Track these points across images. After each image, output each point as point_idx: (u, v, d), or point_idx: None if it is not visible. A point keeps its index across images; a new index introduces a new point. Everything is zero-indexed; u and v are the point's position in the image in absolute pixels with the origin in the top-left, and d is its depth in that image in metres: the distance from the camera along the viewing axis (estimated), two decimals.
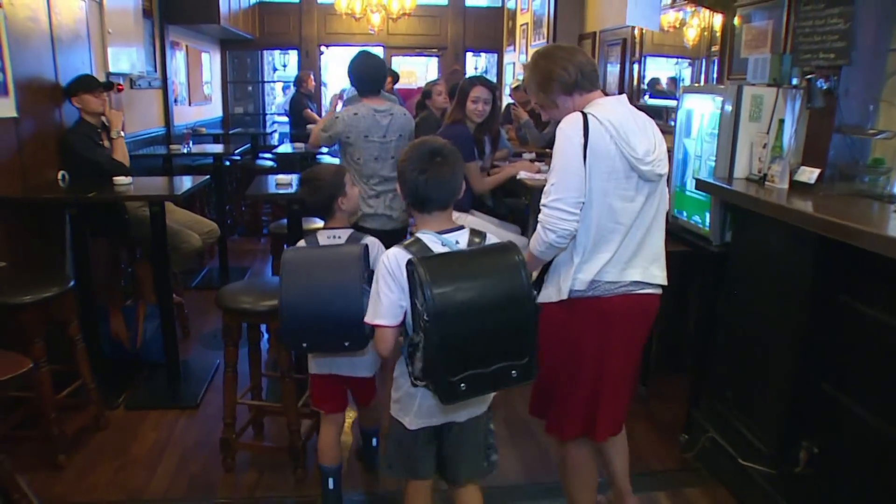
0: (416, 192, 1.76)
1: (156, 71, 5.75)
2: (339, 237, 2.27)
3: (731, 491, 2.56)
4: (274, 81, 10.78)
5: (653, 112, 4.34)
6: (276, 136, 8.65)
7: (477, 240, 1.79)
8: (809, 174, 2.38)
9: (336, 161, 4.60)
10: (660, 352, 3.36)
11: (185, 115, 6.64)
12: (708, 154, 2.77)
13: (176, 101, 6.31)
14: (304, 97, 7.71)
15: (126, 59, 4.73)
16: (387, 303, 1.72)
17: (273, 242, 4.26)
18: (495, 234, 1.89)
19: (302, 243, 2.29)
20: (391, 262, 1.72)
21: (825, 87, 2.45)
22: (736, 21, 3.41)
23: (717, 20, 3.75)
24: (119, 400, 3.21)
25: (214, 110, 8.12)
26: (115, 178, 3.31)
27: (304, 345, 2.15)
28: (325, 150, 5.30)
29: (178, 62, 6.48)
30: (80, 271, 3.25)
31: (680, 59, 4.52)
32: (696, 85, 3.98)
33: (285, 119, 8.74)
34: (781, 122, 2.52)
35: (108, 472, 2.67)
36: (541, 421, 2.25)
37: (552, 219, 1.86)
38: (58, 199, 3.24)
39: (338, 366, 2.30)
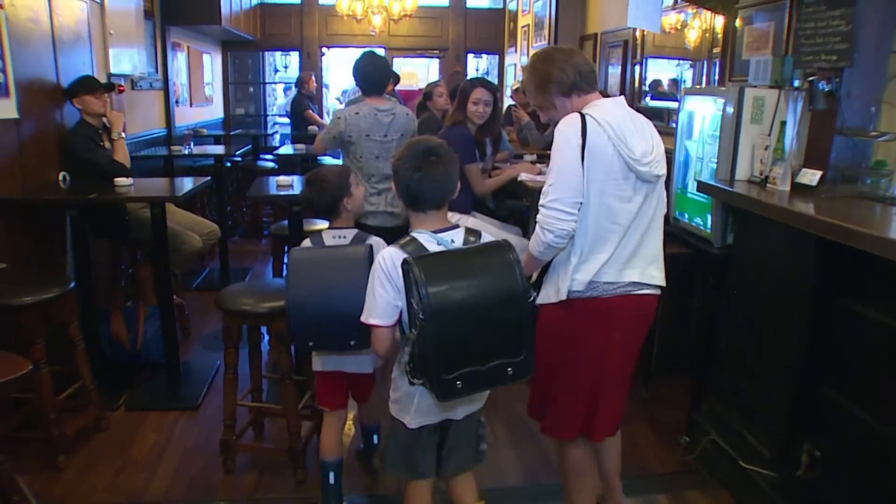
0: (411, 190, 1.79)
1: (157, 72, 5.75)
2: (345, 237, 2.29)
3: (733, 494, 2.56)
4: (275, 83, 10.79)
5: (654, 114, 4.36)
6: (277, 137, 8.65)
7: (472, 238, 1.81)
8: (811, 176, 2.37)
9: (338, 162, 4.60)
10: (661, 354, 3.35)
11: (187, 117, 6.64)
12: (709, 156, 2.76)
13: (177, 102, 6.31)
14: (305, 98, 7.72)
15: (127, 60, 4.73)
16: (382, 302, 1.75)
17: (274, 244, 4.26)
18: (496, 235, 1.89)
19: (307, 243, 2.30)
20: (387, 261, 1.74)
21: (827, 89, 2.45)
22: (737, 23, 3.40)
23: (719, 22, 3.74)
24: (119, 401, 3.21)
25: (215, 111, 8.12)
26: (115, 180, 3.32)
27: (311, 343, 2.17)
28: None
29: (179, 63, 6.48)
30: (80, 272, 3.25)
31: (681, 61, 4.52)
32: (698, 87, 3.98)
33: (286, 120, 8.75)
34: (783, 124, 2.51)
35: (107, 474, 2.67)
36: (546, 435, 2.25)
37: (550, 219, 1.87)
38: (58, 200, 3.24)
39: (342, 363, 2.32)
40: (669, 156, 3.00)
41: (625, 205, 1.91)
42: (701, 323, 3.14)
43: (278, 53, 10.45)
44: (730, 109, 2.58)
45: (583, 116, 1.88)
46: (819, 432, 2.20)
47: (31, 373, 2.14)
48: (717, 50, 3.81)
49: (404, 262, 1.64)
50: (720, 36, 3.75)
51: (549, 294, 2.00)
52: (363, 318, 1.80)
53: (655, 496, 2.62)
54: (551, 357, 2.03)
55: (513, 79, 8.07)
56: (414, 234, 1.79)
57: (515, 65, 8.17)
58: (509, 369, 1.66)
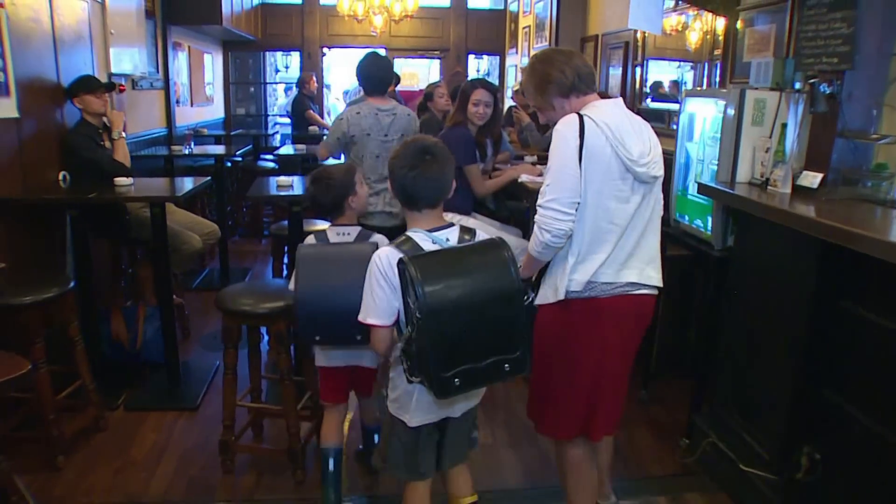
0: (406, 189, 1.81)
1: (158, 72, 5.75)
2: (349, 234, 2.33)
3: (732, 496, 2.55)
4: (276, 83, 10.79)
5: (655, 115, 4.37)
6: (277, 137, 8.65)
7: (467, 237, 1.83)
8: (812, 179, 2.37)
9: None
10: (661, 356, 3.35)
11: (187, 116, 6.64)
12: (710, 158, 2.76)
13: (178, 101, 6.31)
14: (306, 98, 7.72)
15: (128, 59, 4.73)
16: (380, 302, 1.77)
17: (274, 244, 4.26)
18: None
19: (311, 239, 2.33)
20: (382, 261, 1.75)
21: (828, 92, 2.44)
22: (739, 25, 3.40)
23: (720, 24, 3.74)
24: (119, 401, 3.21)
25: (216, 111, 8.11)
26: (115, 179, 3.32)
27: (317, 338, 2.22)
28: None
29: (180, 63, 6.48)
30: (80, 272, 3.24)
31: (682, 63, 4.51)
32: (699, 89, 3.97)
33: (287, 120, 8.75)
34: (784, 126, 2.51)
35: (106, 474, 2.67)
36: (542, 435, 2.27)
37: (547, 219, 1.88)
38: (59, 199, 3.24)
39: (346, 357, 2.36)
40: (670, 158, 3.01)
41: (622, 205, 1.93)
42: (701, 325, 3.14)
43: (279, 53, 10.45)
44: (731, 111, 2.57)
45: (581, 117, 1.90)
46: (819, 435, 2.20)
47: (30, 372, 2.14)
48: (718, 52, 3.81)
49: (400, 262, 1.66)
50: (721, 38, 3.75)
51: (548, 294, 2.01)
52: (361, 318, 1.81)
53: (655, 498, 2.62)
54: (549, 357, 2.05)
55: (514, 80, 8.07)
56: (409, 234, 1.81)
57: (516, 66, 8.16)
58: (506, 366, 1.68)
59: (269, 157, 7.02)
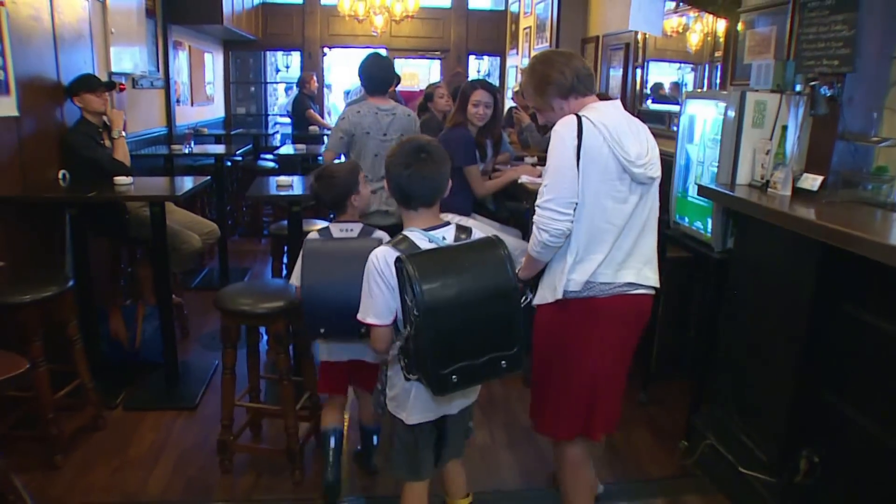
0: (401, 187, 1.83)
1: (158, 71, 5.75)
2: (352, 230, 2.38)
3: (731, 499, 2.55)
4: (276, 82, 10.79)
5: (655, 117, 4.37)
6: (277, 137, 8.65)
7: (463, 236, 1.85)
8: (812, 181, 2.37)
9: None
10: (660, 357, 3.35)
11: (187, 116, 6.64)
12: (710, 160, 2.76)
13: (178, 101, 6.30)
14: (306, 98, 7.72)
15: (128, 58, 4.73)
16: (377, 301, 1.79)
17: (273, 244, 4.26)
18: None
19: (315, 234, 2.38)
20: (379, 261, 1.77)
21: (829, 94, 2.44)
22: (739, 27, 3.40)
23: (721, 25, 3.74)
24: (117, 400, 3.20)
25: (216, 111, 8.11)
26: (115, 178, 3.31)
27: (322, 330, 2.27)
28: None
29: (180, 62, 6.48)
30: (79, 271, 3.24)
31: (683, 65, 4.51)
32: (699, 90, 3.97)
33: (287, 120, 8.75)
34: (784, 128, 2.51)
35: (105, 473, 2.66)
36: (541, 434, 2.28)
37: (545, 219, 1.90)
38: (58, 198, 3.24)
39: (349, 352, 2.40)
40: (670, 159, 3.01)
41: (620, 205, 1.94)
42: (701, 327, 3.14)
43: (280, 53, 10.46)
44: (731, 113, 2.57)
45: (579, 118, 1.92)
46: (818, 438, 2.20)
47: (28, 371, 2.14)
48: (718, 54, 3.81)
49: (397, 260, 1.68)
50: (722, 40, 3.75)
51: (546, 294, 2.03)
52: (360, 317, 1.83)
53: (653, 500, 2.62)
54: (548, 357, 2.07)
55: (514, 81, 8.07)
56: (406, 233, 1.83)
57: (517, 67, 8.16)
58: (503, 362, 1.70)
59: (269, 156, 7.02)
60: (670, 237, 3.07)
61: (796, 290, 2.24)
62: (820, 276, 2.15)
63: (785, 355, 2.31)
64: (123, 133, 3.67)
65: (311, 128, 7.44)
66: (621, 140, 1.90)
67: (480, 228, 2.29)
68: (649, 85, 4.89)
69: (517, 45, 8.22)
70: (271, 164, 6.65)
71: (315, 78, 8.02)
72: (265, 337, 3.62)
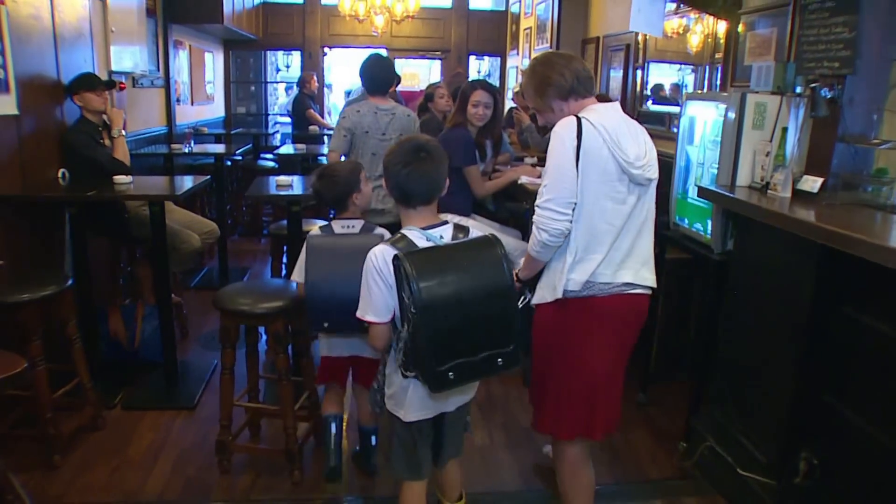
0: (400, 185, 1.84)
1: (158, 70, 5.75)
2: (353, 227, 2.43)
3: (730, 501, 2.55)
4: (277, 82, 10.79)
5: (656, 118, 4.36)
6: (278, 136, 8.66)
7: (461, 235, 1.87)
8: (812, 183, 2.37)
9: None
10: (660, 359, 3.35)
11: (187, 115, 6.64)
12: (710, 161, 2.76)
13: (178, 100, 6.30)
14: (306, 98, 7.72)
15: (129, 57, 4.73)
16: (376, 299, 1.81)
17: (273, 243, 4.26)
18: None
19: (317, 231, 2.42)
20: (378, 259, 1.80)
21: (829, 96, 2.44)
22: (740, 28, 3.40)
23: (721, 27, 3.74)
24: (116, 400, 3.20)
25: (217, 110, 8.11)
26: (115, 178, 3.31)
27: (326, 324, 2.33)
28: (325, 151, 5.35)
29: (180, 61, 6.48)
30: (78, 270, 3.24)
31: (683, 66, 4.51)
32: (700, 92, 3.97)
33: (287, 120, 8.75)
34: (785, 130, 2.51)
35: (103, 473, 2.66)
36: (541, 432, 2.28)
37: (544, 219, 1.93)
38: (58, 197, 3.24)
39: (349, 347, 2.45)
40: (670, 161, 3.02)
41: (619, 206, 1.97)
42: (700, 328, 3.14)
43: (280, 53, 10.45)
44: (731, 115, 2.57)
45: (579, 120, 1.93)
46: (818, 440, 2.20)
47: (26, 370, 2.13)
48: (719, 55, 3.80)
49: (395, 258, 1.69)
50: (722, 41, 3.74)
51: (545, 294, 2.05)
52: (359, 315, 1.86)
53: (652, 502, 2.62)
54: (548, 356, 2.09)
55: (514, 81, 8.06)
56: (404, 232, 1.85)
57: (517, 67, 8.16)
58: (500, 360, 1.73)
59: (269, 156, 7.02)
60: (670, 238, 3.07)
61: (796, 292, 2.24)
62: (820, 278, 2.15)
63: (784, 357, 2.30)
64: (123, 132, 3.67)
65: (312, 128, 7.44)
66: (620, 142, 1.92)
67: (480, 229, 2.30)
68: (650, 86, 4.89)
69: (517, 46, 8.22)
70: (271, 164, 6.65)
71: (315, 78, 8.02)
72: (264, 337, 3.61)
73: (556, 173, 1.92)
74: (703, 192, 2.67)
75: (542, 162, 4.45)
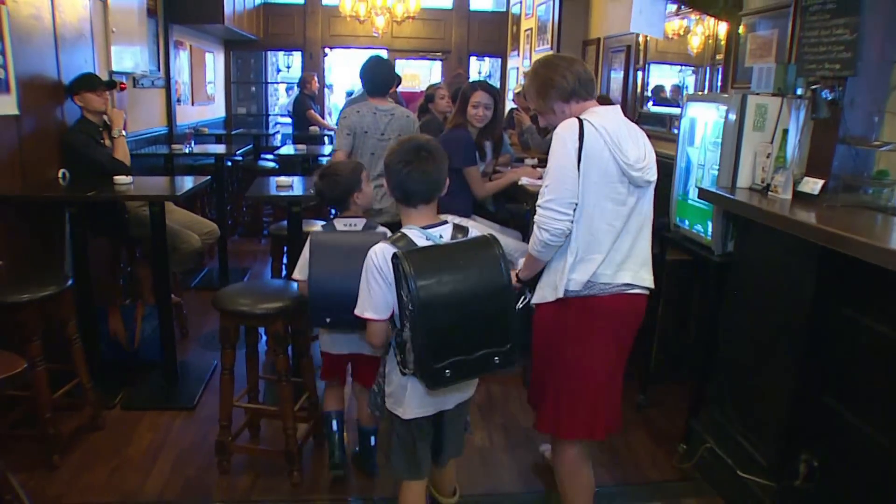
0: (401, 184, 1.86)
1: (159, 70, 5.75)
2: (355, 225, 2.45)
3: (729, 502, 2.54)
4: (277, 82, 10.79)
5: (656, 120, 4.36)
6: (278, 137, 8.66)
7: (460, 235, 1.89)
8: (813, 185, 2.37)
9: None
10: (659, 360, 3.35)
11: (188, 115, 6.64)
12: (711, 163, 2.76)
13: (179, 100, 6.30)
14: (307, 99, 7.73)
15: (129, 57, 4.73)
16: (375, 297, 1.83)
17: (273, 244, 4.25)
18: None
19: (319, 228, 2.47)
20: (378, 257, 1.82)
21: (830, 98, 2.44)
22: (741, 30, 3.40)
23: (722, 28, 3.73)
24: (116, 400, 3.19)
25: (217, 110, 8.11)
26: (115, 178, 3.31)
27: (328, 320, 2.35)
28: (326, 151, 5.38)
29: (181, 62, 6.48)
30: (78, 270, 3.24)
31: (684, 67, 4.51)
32: (700, 93, 3.97)
33: (288, 120, 8.76)
34: (785, 132, 2.51)
35: (102, 473, 2.66)
36: (542, 432, 2.29)
37: (545, 218, 1.95)
38: (58, 197, 3.23)
39: (349, 345, 2.48)
40: (671, 162, 3.01)
41: (619, 207, 1.99)
42: (700, 330, 3.13)
43: (281, 53, 10.46)
44: (732, 116, 2.57)
45: (581, 121, 1.96)
46: (818, 442, 2.19)
47: (26, 370, 2.12)
48: (719, 57, 3.80)
49: (394, 257, 1.72)
50: (723, 43, 3.74)
51: (546, 293, 2.07)
52: (358, 312, 1.88)
53: (652, 503, 2.61)
54: (549, 354, 2.12)
55: (515, 82, 8.06)
56: (404, 231, 1.87)
57: (518, 68, 8.16)
58: (496, 358, 1.74)
59: (270, 156, 7.02)
60: (671, 240, 3.07)
61: (796, 294, 2.24)
62: (820, 279, 2.15)
63: (784, 359, 2.30)
64: (124, 132, 3.67)
65: (312, 128, 7.44)
66: (621, 144, 1.95)
67: (480, 230, 2.30)
68: (650, 87, 4.89)
69: (518, 47, 8.22)
70: (272, 165, 6.65)
71: (316, 78, 8.02)
72: (264, 337, 3.61)
73: (558, 174, 1.94)
74: (703, 193, 2.67)
75: (542, 163, 4.45)
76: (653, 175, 2.04)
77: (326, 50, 8.98)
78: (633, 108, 4.89)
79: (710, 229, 2.75)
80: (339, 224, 2.46)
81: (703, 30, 4.03)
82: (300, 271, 2.42)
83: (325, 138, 7.39)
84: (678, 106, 4.20)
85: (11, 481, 2.20)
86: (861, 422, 2.02)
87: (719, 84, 3.81)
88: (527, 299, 2.16)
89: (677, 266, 3.25)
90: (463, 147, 3.56)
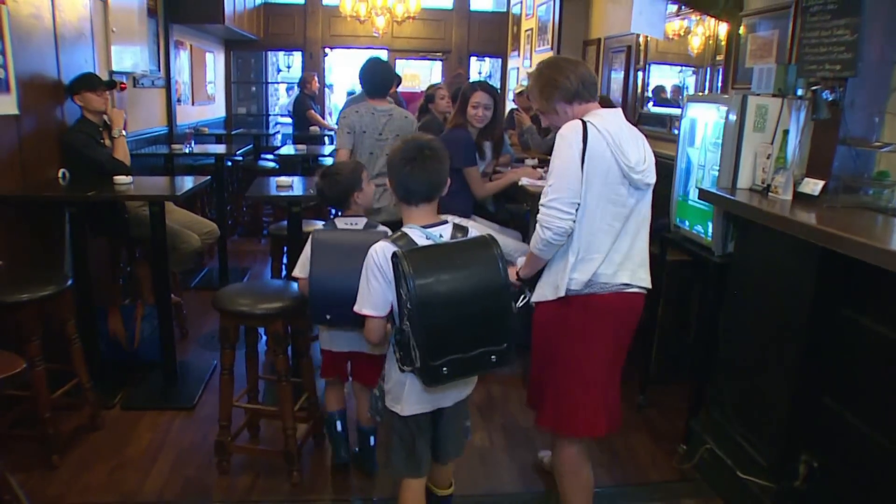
0: (403, 182, 1.89)
1: (159, 70, 5.75)
2: (356, 224, 2.48)
3: (729, 503, 2.54)
4: (278, 82, 10.79)
5: (657, 120, 4.36)
6: (278, 137, 8.66)
7: (459, 234, 1.91)
8: (813, 186, 2.37)
9: None
10: (659, 361, 3.35)
11: (188, 115, 6.64)
12: (711, 164, 2.75)
13: (179, 100, 6.30)
14: (307, 98, 7.72)
15: (129, 57, 4.72)
16: (375, 294, 1.86)
17: (273, 244, 4.25)
18: None
19: (320, 226, 2.50)
20: (378, 255, 1.85)
21: (830, 99, 2.44)
22: (741, 30, 3.40)
23: (723, 29, 3.73)
24: (115, 400, 3.19)
25: (217, 110, 8.11)
26: (115, 178, 3.31)
27: (328, 317, 2.38)
28: (326, 152, 5.38)
29: (181, 62, 6.48)
30: (78, 270, 3.23)
31: (684, 68, 4.51)
32: (701, 94, 3.97)
33: (288, 120, 8.76)
34: (786, 132, 2.50)
35: (102, 473, 2.65)
36: (542, 428, 2.30)
37: (549, 217, 1.97)
38: (58, 197, 3.23)
39: (349, 342, 2.49)
40: (671, 163, 3.01)
41: (619, 209, 2.02)
42: (700, 330, 3.13)
43: (281, 53, 10.46)
44: (732, 117, 2.57)
45: (584, 124, 1.98)
46: (818, 443, 2.19)
47: (25, 370, 2.12)
48: (720, 57, 3.80)
49: (393, 256, 1.74)
50: (724, 43, 3.74)
51: (546, 292, 2.09)
52: (357, 309, 1.90)
53: None
54: (548, 351, 2.14)
55: (515, 82, 8.06)
56: (405, 229, 1.88)
57: (518, 68, 8.16)
58: (493, 357, 1.76)
59: (270, 156, 7.02)
60: (671, 240, 3.07)
61: (796, 295, 2.24)
62: (820, 280, 2.15)
63: (784, 359, 2.30)
64: (124, 132, 3.67)
65: (312, 128, 7.44)
66: (623, 147, 1.97)
67: (479, 230, 2.30)
68: (651, 88, 4.88)
69: (518, 47, 8.22)
70: (272, 165, 6.65)
71: (316, 78, 8.02)
72: (264, 337, 3.61)
73: (562, 173, 1.97)
74: (703, 194, 2.67)
75: (542, 163, 4.45)
76: (652, 178, 2.07)
77: (327, 50, 8.99)
78: (634, 108, 4.89)
79: (710, 230, 2.75)
80: (340, 223, 2.48)
81: (704, 30, 4.03)
82: (301, 269, 2.44)
83: (326, 138, 7.39)
84: (678, 106, 4.20)
85: (10, 481, 2.19)
86: (861, 422, 2.02)
87: (720, 85, 3.81)
88: (526, 298, 2.17)
89: (677, 267, 3.25)
90: (463, 147, 3.56)
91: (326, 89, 9.56)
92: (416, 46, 9.12)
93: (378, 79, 3.62)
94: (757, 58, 3.05)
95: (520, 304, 2.16)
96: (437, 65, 9.61)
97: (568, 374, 2.10)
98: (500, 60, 9.27)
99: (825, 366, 2.17)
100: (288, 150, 6.27)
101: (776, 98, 2.56)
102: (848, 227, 2.00)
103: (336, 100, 10.68)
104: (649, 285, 2.14)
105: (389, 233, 2.25)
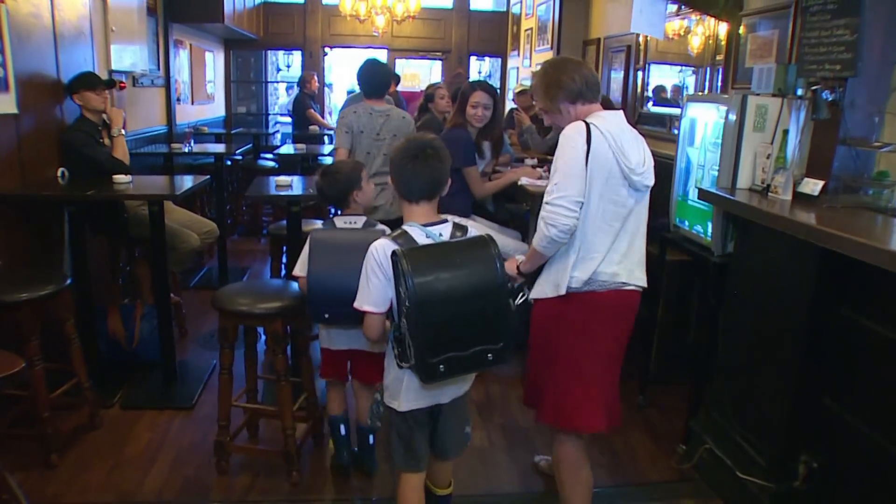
0: (405, 180, 1.92)
1: (159, 69, 5.74)
2: (355, 223, 2.49)
3: (729, 503, 2.54)
4: (277, 82, 10.79)
5: (656, 120, 4.36)
6: (278, 136, 8.65)
7: (459, 234, 1.93)
8: (813, 186, 2.36)
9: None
10: (659, 361, 3.35)
11: (188, 114, 6.63)
12: (711, 163, 2.75)
13: (178, 99, 6.30)
14: (307, 98, 7.72)
15: (129, 56, 4.72)
16: (374, 290, 1.88)
17: (272, 243, 4.25)
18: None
19: (319, 225, 2.51)
20: (378, 253, 1.86)
21: (830, 99, 2.44)
22: (741, 30, 3.39)
23: (722, 29, 3.73)
24: (114, 399, 3.19)
25: (217, 109, 8.11)
26: (114, 177, 3.31)
27: (326, 315, 2.40)
28: (325, 151, 5.37)
29: (181, 61, 6.48)
30: (77, 269, 3.23)
31: (684, 67, 4.50)
32: (700, 94, 3.97)
33: (288, 119, 8.75)
34: (786, 132, 2.50)
35: (101, 473, 2.65)
36: (541, 426, 2.30)
37: (554, 214, 1.98)
38: (57, 196, 3.23)
39: (348, 341, 2.50)
40: (671, 163, 3.01)
41: (619, 209, 2.05)
42: (700, 331, 3.13)
43: (281, 53, 10.45)
44: (732, 117, 2.57)
45: (588, 125, 2.01)
46: (817, 443, 2.19)
47: (24, 370, 2.12)
48: (720, 57, 3.80)
49: (393, 254, 1.76)
50: (723, 43, 3.74)
51: (546, 289, 2.12)
52: (356, 305, 1.92)
53: None
54: (548, 348, 2.16)
55: (515, 82, 8.06)
56: (405, 227, 1.90)
57: (518, 68, 8.16)
58: (489, 355, 1.77)
59: (270, 156, 7.01)
60: (670, 240, 3.07)
61: (796, 295, 2.24)
62: (820, 280, 2.15)
63: (784, 360, 2.30)
64: (123, 131, 3.66)
65: (312, 127, 7.43)
66: (624, 148, 2.01)
67: (479, 230, 2.31)
68: (650, 87, 4.88)
69: (518, 47, 8.21)
70: (271, 164, 6.65)
71: (316, 78, 8.01)
72: (263, 337, 3.60)
73: (567, 172, 1.99)
74: (703, 194, 2.67)
75: (542, 163, 4.45)
76: (651, 180, 2.09)
77: (326, 49, 8.98)
78: (634, 108, 4.89)
79: (709, 230, 2.75)
80: (340, 222, 2.50)
81: (704, 30, 4.03)
82: (300, 267, 2.45)
83: (325, 138, 7.38)
84: (678, 106, 4.20)
85: (9, 481, 2.19)
86: (861, 423, 2.02)
87: (719, 84, 3.80)
88: (525, 295, 2.18)
89: (677, 267, 3.25)
90: (462, 147, 3.56)
91: (326, 89, 9.56)
92: (416, 46, 9.12)
93: (375, 80, 3.64)
94: (757, 58, 3.05)
95: (519, 300, 2.17)
96: (437, 64, 9.61)
97: (568, 370, 2.12)
98: (499, 60, 9.27)
99: (825, 366, 2.17)
100: (287, 149, 6.27)
101: (776, 98, 2.56)
102: (848, 227, 1.99)
103: (336, 99, 10.67)
104: (645, 284, 2.16)
105: (388, 231, 2.27)
